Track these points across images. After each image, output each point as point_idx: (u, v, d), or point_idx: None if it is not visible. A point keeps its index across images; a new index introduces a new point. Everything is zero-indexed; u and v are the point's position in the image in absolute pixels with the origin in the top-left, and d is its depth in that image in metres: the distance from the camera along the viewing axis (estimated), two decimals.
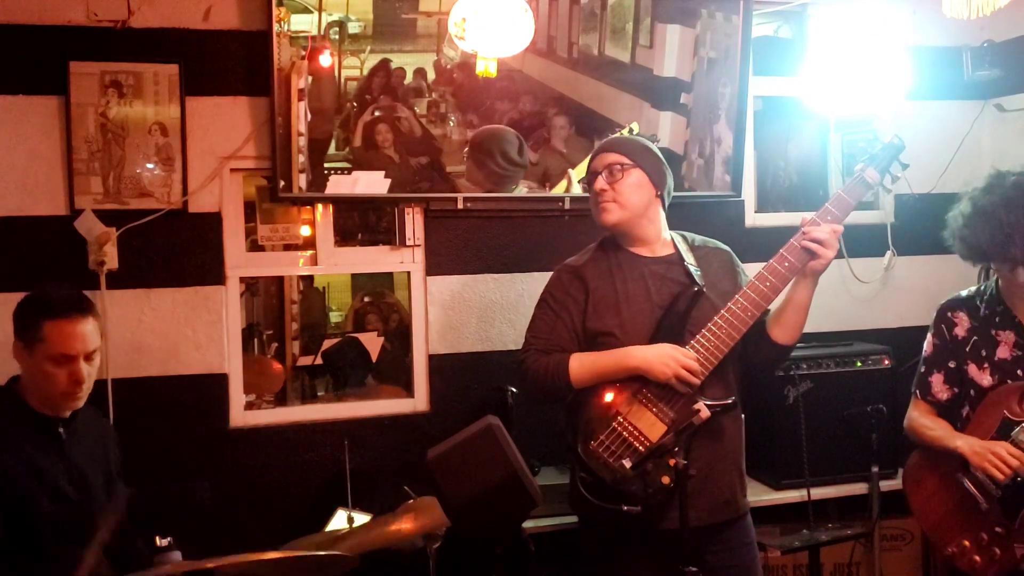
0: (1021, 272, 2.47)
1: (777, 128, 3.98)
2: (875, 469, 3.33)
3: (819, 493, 3.35)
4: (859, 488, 3.42)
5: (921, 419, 2.67)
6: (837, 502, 3.50)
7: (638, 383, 2.43)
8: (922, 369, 2.71)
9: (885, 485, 3.35)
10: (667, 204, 2.62)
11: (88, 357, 2.31)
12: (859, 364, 3.46)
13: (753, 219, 3.82)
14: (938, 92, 3.92)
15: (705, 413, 2.38)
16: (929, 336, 2.70)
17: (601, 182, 2.53)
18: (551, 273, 2.69)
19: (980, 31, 3.83)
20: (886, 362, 3.49)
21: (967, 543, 2.47)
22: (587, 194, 2.64)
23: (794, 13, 3.79)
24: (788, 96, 3.81)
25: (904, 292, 3.93)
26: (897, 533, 3.62)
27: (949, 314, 2.66)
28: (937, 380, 2.66)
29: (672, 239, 2.62)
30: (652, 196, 2.55)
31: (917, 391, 2.72)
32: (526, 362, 2.55)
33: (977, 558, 2.46)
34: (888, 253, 3.92)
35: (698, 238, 2.68)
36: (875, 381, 3.44)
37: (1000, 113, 3.96)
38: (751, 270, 2.59)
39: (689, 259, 2.55)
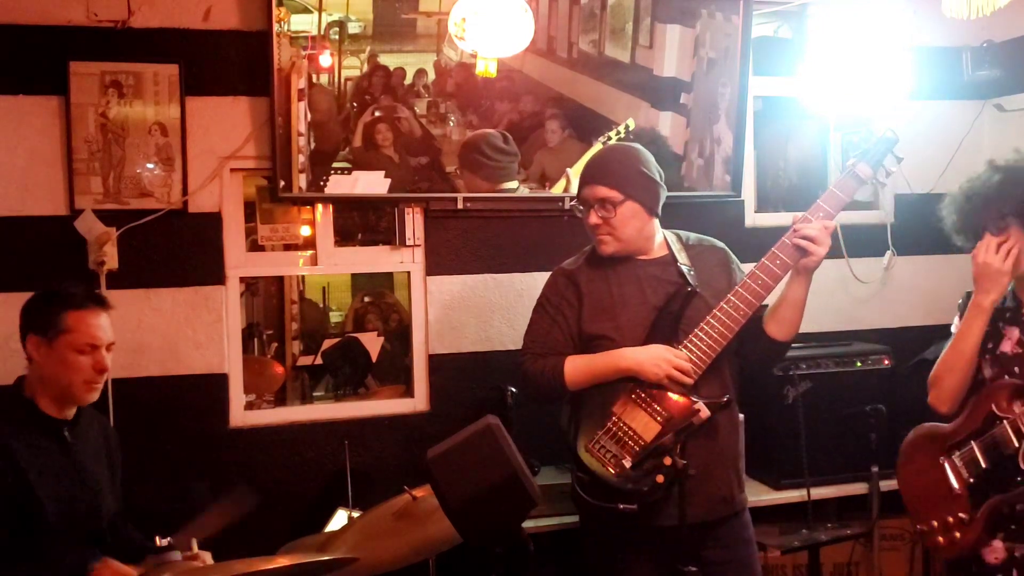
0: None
1: (777, 128, 3.97)
2: (874, 469, 3.33)
3: (818, 493, 3.35)
4: (859, 488, 3.42)
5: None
6: (836, 502, 3.50)
7: (632, 384, 2.44)
8: (946, 343, 2.68)
9: (885, 485, 3.34)
10: (661, 210, 2.61)
11: (108, 348, 2.36)
12: (859, 364, 3.47)
13: (753, 219, 3.82)
14: (938, 92, 3.92)
15: (705, 413, 2.39)
16: (956, 319, 2.70)
17: (594, 217, 2.52)
18: (551, 273, 2.69)
19: (980, 31, 3.82)
20: (886, 362, 3.49)
21: (935, 523, 2.53)
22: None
23: (794, 13, 3.79)
24: (788, 96, 3.81)
25: (904, 292, 3.93)
26: (896, 533, 3.62)
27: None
28: None
29: (666, 239, 2.62)
30: (647, 219, 2.56)
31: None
32: (523, 365, 2.59)
33: (940, 539, 2.52)
34: (888, 253, 3.92)
35: (692, 236, 2.68)
36: (874, 381, 3.44)
37: (1000, 113, 3.96)
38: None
39: (682, 259, 2.56)
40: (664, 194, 2.59)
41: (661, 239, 2.62)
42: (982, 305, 2.47)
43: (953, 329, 2.68)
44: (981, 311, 2.48)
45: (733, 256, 2.67)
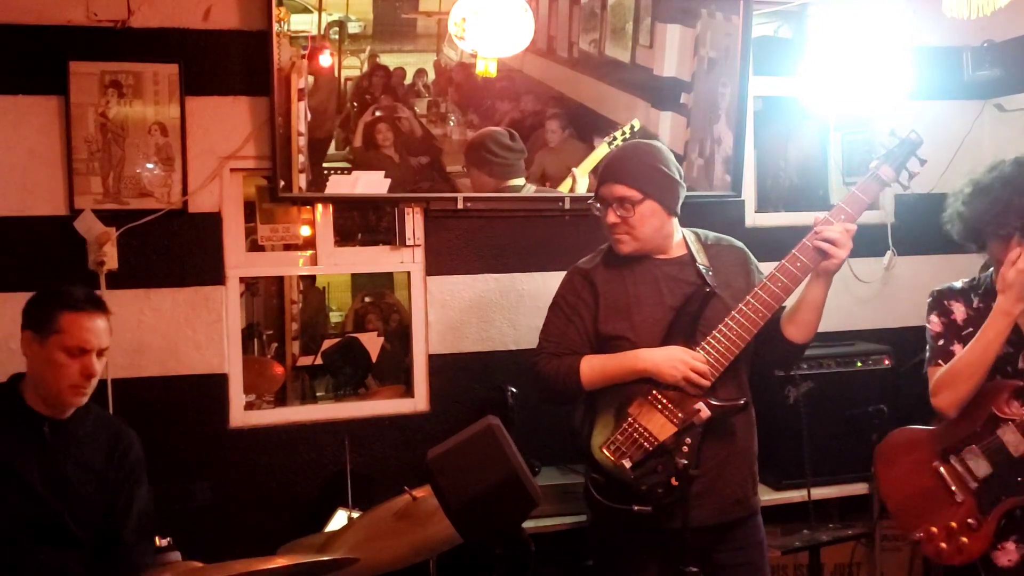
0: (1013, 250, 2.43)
1: (777, 128, 3.98)
2: (876, 469, 3.32)
3: (820, 493, 3.35)
4: (860, 488, 3.42)
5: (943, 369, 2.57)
6: (838, 502, 3.50)
7: (649, 385, 2.42)
8: (940, 343, 2.58)
9: None
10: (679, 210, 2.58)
11: (99, 354, 2.35)
12: (860, 364, 3.47)
13: (753, 219, 3.82)
14: (938, 92, 3.92)
15: (705, 413, 2.37)
16: (933, 317, 2.61)
17: (613, 216, 2.49)
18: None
19: (980, 31, 3.82)
20: (887, 362, 3.49)
21: (934, 529, 2.46)
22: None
23: (794, 13, 3.79)
24: (788, 96, 3.81)
25: (904, 292, 3.93)
26: (898, 533, 3.62)
27: (946, 302, 2.62)
28: (959, 349, 2.54)
29: (685, 238, 2.59)
30: (666, 218, 2.53)
31: (939, 360, 2.57)
32: (538, 365, 2.55)
33: (944, 545, 2.45)
34: (888, 253, 3.92)
35: (711, 235, 2.65)
36: (876, 381, 3.45)
37: (1000, 113, 3.96)
38: None
39: (701, 259, 2.53)
40: (683, 192, 2.56)
41: (680, 238, 2.59)
42: (1012, 313, 2.39)
43: (931, 328, 2.63)
44: (1011, 319, 2.40)
45: (752, 256, 2.64)
